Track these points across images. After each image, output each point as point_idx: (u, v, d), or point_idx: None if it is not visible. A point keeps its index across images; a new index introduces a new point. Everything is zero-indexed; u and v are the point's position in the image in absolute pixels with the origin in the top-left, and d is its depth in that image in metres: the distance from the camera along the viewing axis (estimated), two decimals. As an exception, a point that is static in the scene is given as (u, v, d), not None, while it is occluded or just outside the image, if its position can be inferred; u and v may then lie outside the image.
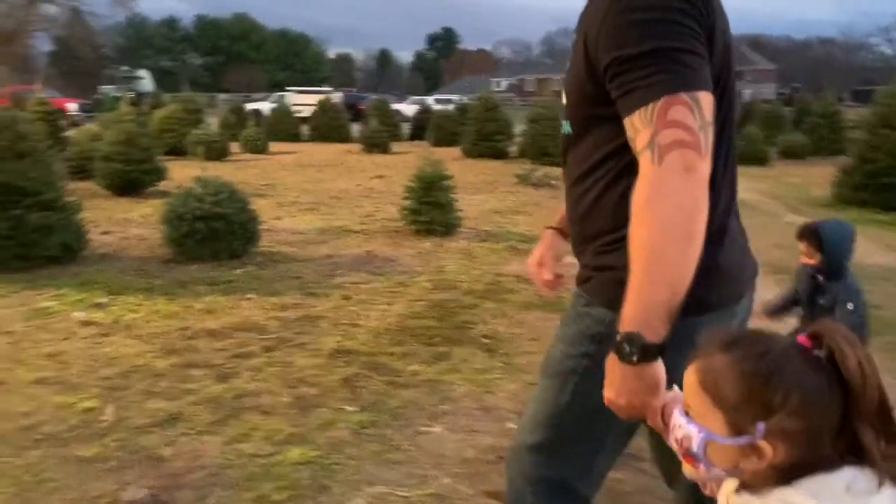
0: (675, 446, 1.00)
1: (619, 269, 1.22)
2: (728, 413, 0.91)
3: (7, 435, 2.86)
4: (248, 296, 4.89)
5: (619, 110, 1.23)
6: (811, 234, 2.89)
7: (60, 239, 5.64)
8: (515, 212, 8.94)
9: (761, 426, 0.89)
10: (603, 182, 1.35)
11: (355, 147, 18.17)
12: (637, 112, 1.19)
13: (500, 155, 15.93)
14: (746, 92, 43.79)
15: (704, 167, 1.17)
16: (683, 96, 1.17)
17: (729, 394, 0.91)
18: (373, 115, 20.65)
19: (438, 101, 33.04)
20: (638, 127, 1.20)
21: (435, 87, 73.29)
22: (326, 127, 21.26)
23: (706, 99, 1.19)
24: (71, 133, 14.07)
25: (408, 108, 31.34)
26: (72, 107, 26.17)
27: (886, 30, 79.07)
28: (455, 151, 16.45)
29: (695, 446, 0.95)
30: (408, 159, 14.53)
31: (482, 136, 16.06)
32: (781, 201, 10.34)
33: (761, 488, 0.93)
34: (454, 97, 36.90)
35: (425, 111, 23.76)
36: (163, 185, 9.94)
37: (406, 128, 23.03)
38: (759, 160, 15.50)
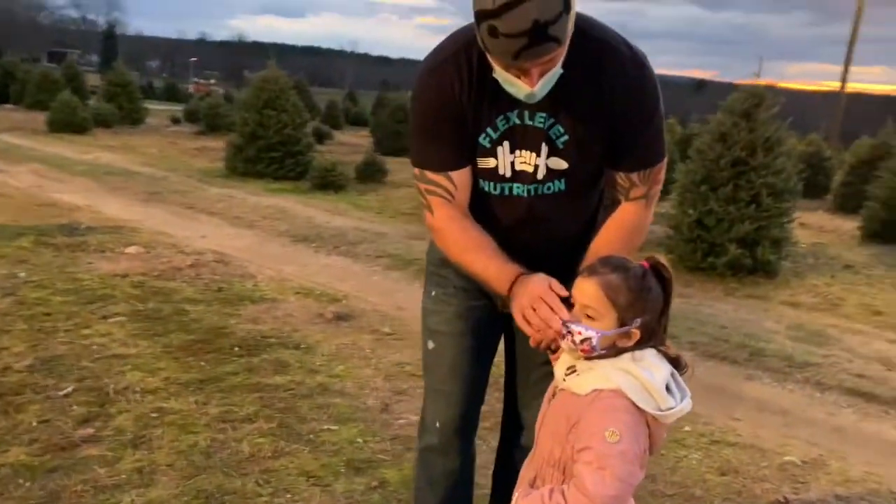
0: (572, 346, 1.49)
1: None
2: (620, 312, 1.45)
3: None
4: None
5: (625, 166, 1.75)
6: None
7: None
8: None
9: (639, 320, 1.45)
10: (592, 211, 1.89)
11: None
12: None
13: None
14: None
15: None
16: None
17: (622, 300, 1.45)
18: None
19: None
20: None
21: None
22: None
23: None
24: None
25: None
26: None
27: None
28: None
29: (594, 342, 1.46)
30: None
31: None
32: (182, 173, 11.58)
33: (604, 356, 1.46)
34: None
35: None
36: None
37: None
38: (82, 128, 16.48)
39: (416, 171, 1.76)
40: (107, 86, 21.02)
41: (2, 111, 20.99)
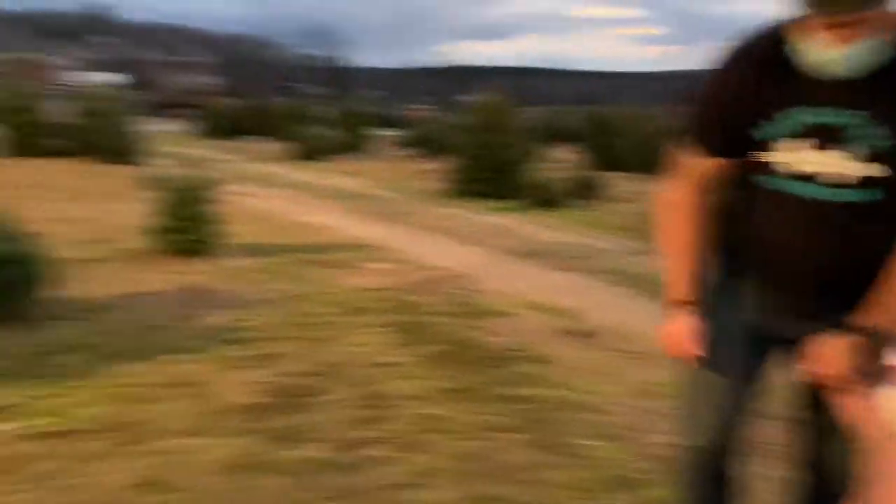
0: None
1: None
2: None
3: None
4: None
5: None
6: None
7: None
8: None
9: None
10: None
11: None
12: None
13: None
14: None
15: None
16: None
17: None
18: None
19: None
20: None
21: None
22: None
23: None
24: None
25: None
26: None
27: (309, 33, 79.48)
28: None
29: None
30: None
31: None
32: (410, 194, 12.28)
33: None
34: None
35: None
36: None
37: None
38: (319, 156, 18.11)
39: (678, 142, 1.77)
40: (337, 116, 23.05)
41: (254, 143, 23.70)
